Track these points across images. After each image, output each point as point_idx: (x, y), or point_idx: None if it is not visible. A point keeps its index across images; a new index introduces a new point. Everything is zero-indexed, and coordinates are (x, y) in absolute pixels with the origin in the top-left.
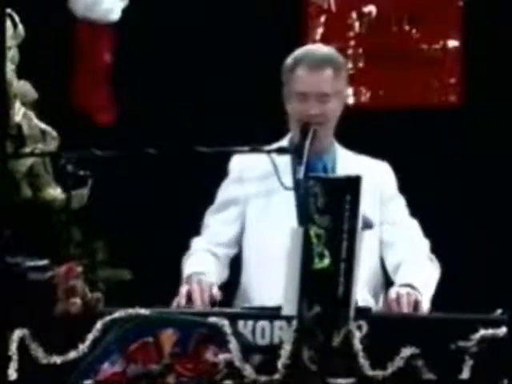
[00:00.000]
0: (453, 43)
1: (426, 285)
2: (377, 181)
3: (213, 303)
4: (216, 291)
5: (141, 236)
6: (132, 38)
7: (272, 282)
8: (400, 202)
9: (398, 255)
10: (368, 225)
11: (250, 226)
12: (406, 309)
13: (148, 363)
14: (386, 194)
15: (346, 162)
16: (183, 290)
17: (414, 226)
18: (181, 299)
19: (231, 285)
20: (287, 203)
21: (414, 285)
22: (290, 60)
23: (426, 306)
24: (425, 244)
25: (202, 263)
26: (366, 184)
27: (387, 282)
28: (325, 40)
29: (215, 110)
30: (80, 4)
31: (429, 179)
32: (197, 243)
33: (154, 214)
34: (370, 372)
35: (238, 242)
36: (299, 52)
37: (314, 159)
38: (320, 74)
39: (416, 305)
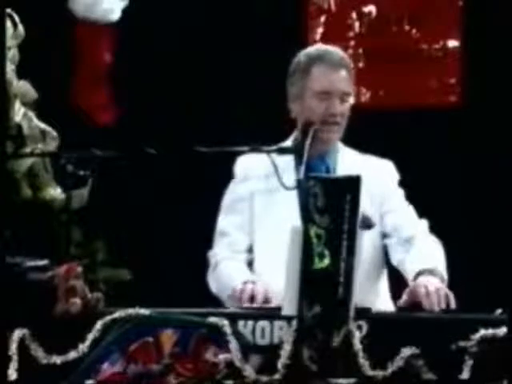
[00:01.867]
0: (453, 43)
1: (442, 263)
2: (379, 181)
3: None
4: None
5: (141, 236)
6: (132, 38)
7: (276, 280)
8: (399, 192)
9: (407, 232)
10: (369, 224)
11: (257, 225)
12: (437, 306)
13: (148, 363)
14: (387, 192)
15: (348, 162)
16: (248, 289)
17: (411, 210)
18: (257, 296)
19: None
20: (291, 202)
21: (438, 269)
22: (303, 58)
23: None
24: (425, 225)
25: (244, 270)
26: (367, 184)
27: (390, 277)
28: (325, 40)
29: (215, 110)
30: (80, 4)
31: (428, 179)
32: (219, 253)
33: (154, 214)
34: (370, 372)
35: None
36: (312, 51)
37: (317, 160)
38: (340, 74)
39: (447, 301)
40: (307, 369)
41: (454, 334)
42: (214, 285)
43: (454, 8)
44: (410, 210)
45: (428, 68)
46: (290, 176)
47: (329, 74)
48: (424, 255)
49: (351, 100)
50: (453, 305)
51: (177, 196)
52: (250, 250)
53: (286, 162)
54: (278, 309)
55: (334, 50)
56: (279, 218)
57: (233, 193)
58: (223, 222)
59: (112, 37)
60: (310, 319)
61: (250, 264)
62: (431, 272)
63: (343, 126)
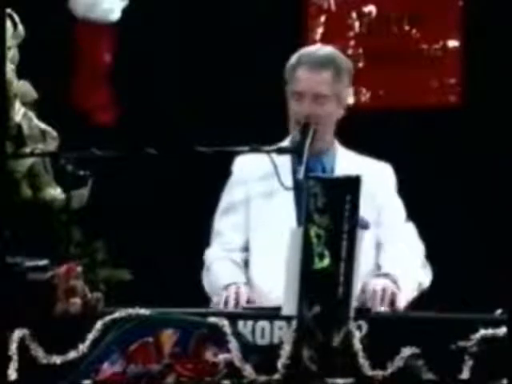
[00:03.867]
0: (453, 43)
1: (408, 278)
2: (375, 183)
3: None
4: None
5: (141, 236)
6: (132, 38)
7: (276, 281)
8: (397, 205)
9: (391, 252)
10: (364, 225)
11: (253, 226)
12: (381, 305)
13: (148, 363)
14: (383, 197)
15: (345, 163)
16: (231, 292)
17: (409, 229)
18: (230, 301)
19: None
20: (288, 203)
21: (393, 274)
22: (293, 59)
23: (403, 300)
24: (420, 249)
25: (232, 273)
26: (363, 186)
27: None
28: (325, 40)
29: (215, 110)
30: (80, 4)
31: (429, 179)
32: (213, 253)
33: (154, 214)
34: (369, 372)
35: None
36: (303, 52)
37: (313, 160)
38: (319, 75)
39: (392, 300)
40: (307, 369)
41: (454, 334)
42: (206, 286)
43: (454, 8)
44: (405, 229)
45: (428, 68)
46: (286, 176)
47: (306, 75)
48: (389, 260)
49: (332, 102)
50: (400, 304)
51: (177, 196)
52: (245, 249)
53: (283, 162)
54: (278, 309)
55: (319, 51)
56: (276, 219)
57: (229, 194)
58: (219, 222)
59: (112, 37)
60: (309, 319)
61: (247, 262)
62: (386, 276)
63: (327, 128)
